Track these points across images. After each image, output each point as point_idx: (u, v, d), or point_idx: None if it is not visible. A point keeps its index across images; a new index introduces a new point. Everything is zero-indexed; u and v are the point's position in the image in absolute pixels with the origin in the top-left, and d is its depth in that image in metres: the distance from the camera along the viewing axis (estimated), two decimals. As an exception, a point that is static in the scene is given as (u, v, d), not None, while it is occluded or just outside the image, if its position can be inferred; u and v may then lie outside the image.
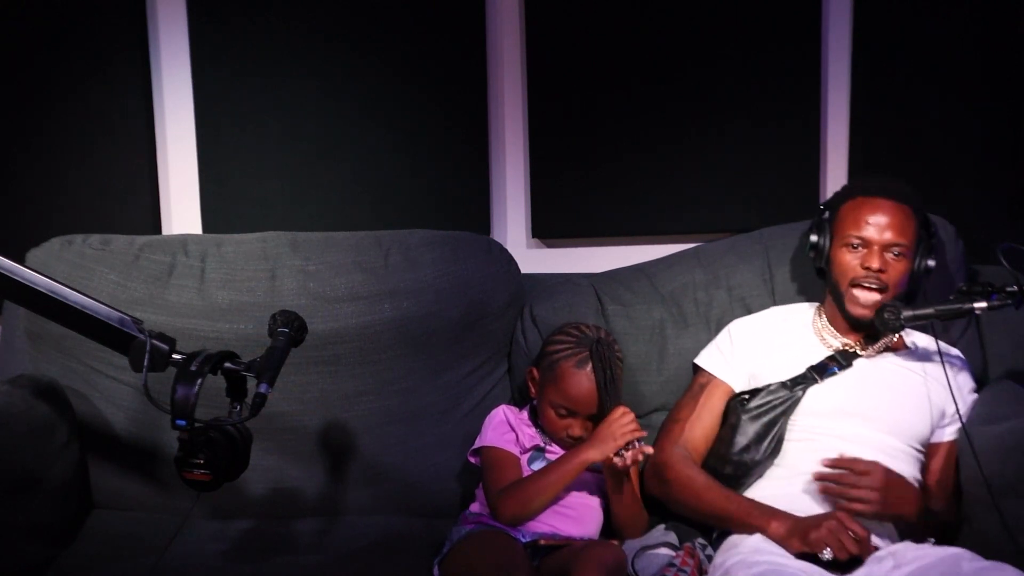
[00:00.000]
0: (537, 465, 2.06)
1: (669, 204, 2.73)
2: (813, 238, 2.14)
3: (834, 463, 1.93)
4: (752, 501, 1.98)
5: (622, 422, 1.96)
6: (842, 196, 2.16)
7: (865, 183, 2.15)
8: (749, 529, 1.92)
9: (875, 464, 1.92)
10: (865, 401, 2.05)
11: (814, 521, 1.85)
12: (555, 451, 2.09)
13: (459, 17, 2.65)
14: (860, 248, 2.06)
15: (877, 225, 2.05)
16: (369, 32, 2.63)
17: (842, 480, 1.90)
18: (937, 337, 2.06)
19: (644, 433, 1.97)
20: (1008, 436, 1.89)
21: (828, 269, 2.12)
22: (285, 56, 2.61)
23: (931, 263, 2.10)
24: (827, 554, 1.80)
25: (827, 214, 2.16)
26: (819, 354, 2.11)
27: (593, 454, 1.96)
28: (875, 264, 2.03)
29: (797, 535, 1.85)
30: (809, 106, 2.72)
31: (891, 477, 1.92)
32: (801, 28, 2.69)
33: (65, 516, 2.10)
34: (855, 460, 1.92)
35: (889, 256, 2.05)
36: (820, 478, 1.94)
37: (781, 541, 1.87)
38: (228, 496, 2.05)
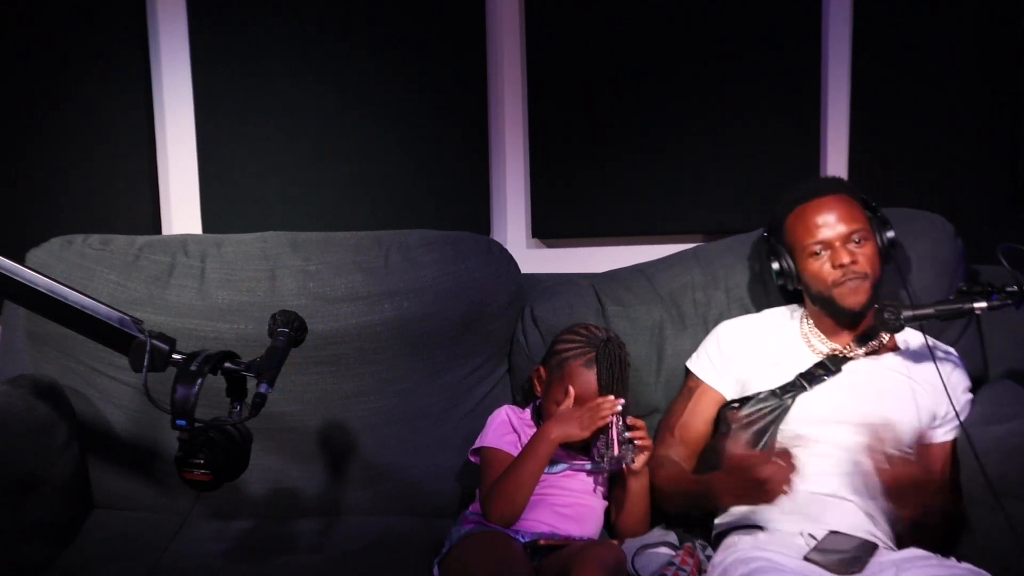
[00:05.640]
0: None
1: (669, 204, 2.74)
2: (775, 265, 2.13)
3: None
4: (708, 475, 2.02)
5: (594, 405, 1.96)
6: (780, 214, 2.14)
7: (795, 193, 2.14)
8: (711, 498, 1.97)
9: (923, 452, 1.92)
10: (855, 408, 2.04)
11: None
12: (557, 452, 2.09)
13: (459, 17, 2.65)
14: (823, 252, 2.06)
15: (827, 223, 2.05)
16: (369, 32, 2.63)
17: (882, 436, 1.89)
18: (927, 335, 2.06)
19: (610, 415, 1.97)
20: (1009, 437, 1.88)
21: (805, 285, 2.11)
22: (285, 56, 2.61)
23: (891, 235, 2.10)
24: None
25: (775, 239, 2.15)
26: (808, 360, 2.10)
27: (556, 433, 1.97)
28: (844, 259, 2.03)
29: (732, 493, 1.91)
30: (809, 106, 2.72)
31: (924, 476, 1.90)
32: (801, 28, 2.70)
33: (65, 516, 2.10)
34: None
35: (852, 246, 2.05)
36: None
37: (721, 498, 1.94)
38: (228, 496, 2.05)
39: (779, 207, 2.16)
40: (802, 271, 2.10)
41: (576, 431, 1.97)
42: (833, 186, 2.12)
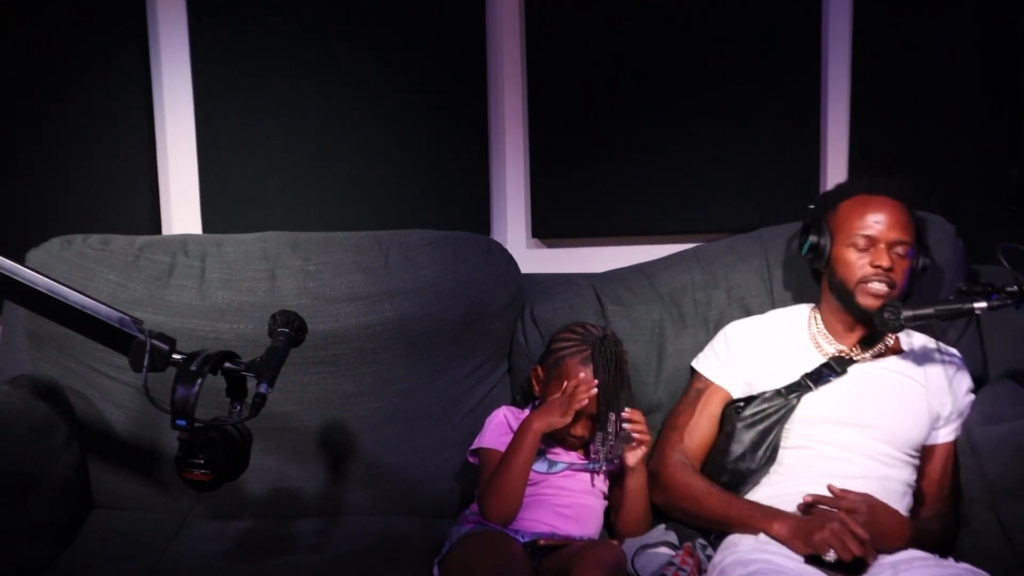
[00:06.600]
0: (538, 467, 2.06)
1: (669, 204, 2.74)
2: (812, 238, 2.11)
3: (818, 499, 1.92)
4: (753, 504, 1.98)
5: (571, 390, 1.96)
6: (840, 194, 2.14)
7: (867, 181, 2.14)
8: (752, 531, 1.92)
9: (862, 500, 1.90)
10: (859, 409, 2.04)
11: (817, 522, 1.85)
12: (556, 452, 2.09)
13: (459, 17, 2.65)
14: (866, 247, 2.05)
15: (884, 223, 2.04)
16: (369, 32, 2.63)
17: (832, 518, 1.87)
18: (936, 336, 2.06)
19: (584, 401, 1.95)
20: (1009, 437, 1.88)
21: (830, 269, 2.11)
22: (285, 56, 2.61)
23: (926, 262, 2.11)
24: (831, 556, 1.79)
25: (822, 213, 2.14)
26: (814, 361, 2.10)
27: (538, 423, 1.97)
28: (885, 262, 2.02)
29: (800, 536, 1.85)
30: (809, 106, 2.72)
31: (879, 512, 1.91)
32: (801, 28, 2.70)
33: (65, 516, 2.10)
34: (842, 497, 1.90)
35: (894, 254, 2.04)
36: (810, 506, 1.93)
37: (785, 542, 1.87)
38: (228, 496, 2.05)
39: (839, 189, 2.16)
40: (835, 257, 2.08)
41: (556, 418, 1.96)
42: (903, 194, 2.09)
